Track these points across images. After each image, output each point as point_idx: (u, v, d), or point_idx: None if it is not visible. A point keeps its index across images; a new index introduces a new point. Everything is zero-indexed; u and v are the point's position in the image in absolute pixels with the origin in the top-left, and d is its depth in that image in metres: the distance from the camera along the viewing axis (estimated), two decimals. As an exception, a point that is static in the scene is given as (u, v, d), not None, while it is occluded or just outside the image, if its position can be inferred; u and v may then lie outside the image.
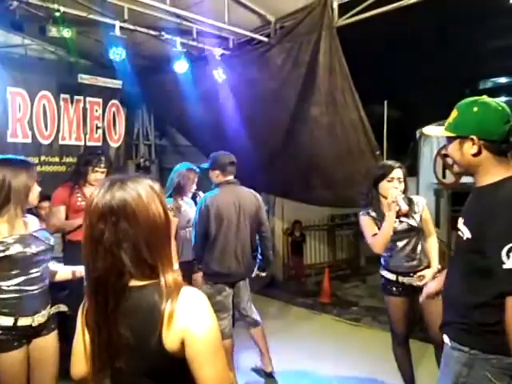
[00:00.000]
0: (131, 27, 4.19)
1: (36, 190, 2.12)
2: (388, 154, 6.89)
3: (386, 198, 2.68)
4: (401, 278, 2.75)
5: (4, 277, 1.95)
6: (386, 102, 7.06)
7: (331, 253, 6.99)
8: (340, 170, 4.20)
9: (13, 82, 4.93)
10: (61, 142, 5.36)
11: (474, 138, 1.47)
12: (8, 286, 1.95)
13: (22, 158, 2.21)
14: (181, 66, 4.52)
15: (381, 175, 2.71)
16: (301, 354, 3.73)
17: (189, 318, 1.00)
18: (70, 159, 5.36)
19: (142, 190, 1.06)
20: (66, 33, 3.65)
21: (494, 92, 10.45)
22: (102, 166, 3.47)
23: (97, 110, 5.72)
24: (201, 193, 3.63)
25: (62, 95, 5.33)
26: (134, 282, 1.05)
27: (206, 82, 4.74)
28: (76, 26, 3.84)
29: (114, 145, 5.94)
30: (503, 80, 10.26)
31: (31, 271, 2.00)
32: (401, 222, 2.72)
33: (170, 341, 0.99)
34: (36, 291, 2.02)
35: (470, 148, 1.49)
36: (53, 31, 3.62)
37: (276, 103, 4.41)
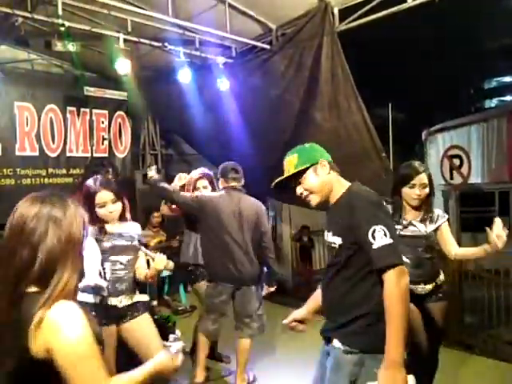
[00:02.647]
0: (135, 39, 4.25)
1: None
2: (394, 156, 6.89)
3: (408, 204, 2.62)
4: None
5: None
6: (390, 105, 7.08)
7: (340, 257, 6.96)
8: (345, 174, 4.18)
9: (20, 97, 5.01)
10: (68, 154, 5.43)
11: (323, 160, 1.83)
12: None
13: None
14: (184, 76, 4.57)
15: (401, 179, 2.60)
16: (312, 362, 3.70)
17: (54, 330, 1.07)
18: (76, 171, 5.43)
19: (67, 208, 1.21)
20: (71, 47, 3.71)
21: (498, 91, 10.41)
22: (109, 177, 3.50)
23: (103, 122, 5.79)
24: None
25: (69, 108, 5.41)
26: (31, 288, 1.13)
27: (209, 91, 4.77)
28: (81, 39, 3.91)
29: (120, 155, 6.00)
30: (508, 79, 10.20)
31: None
32: (405, 227, 2.64)
33: (36, 348, 1.07)
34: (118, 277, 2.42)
35: (323, 169, 1.82)
36: (58, 46, 3.69)
37: (279, 109, 4.43)
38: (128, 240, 2.48)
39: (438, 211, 2.72)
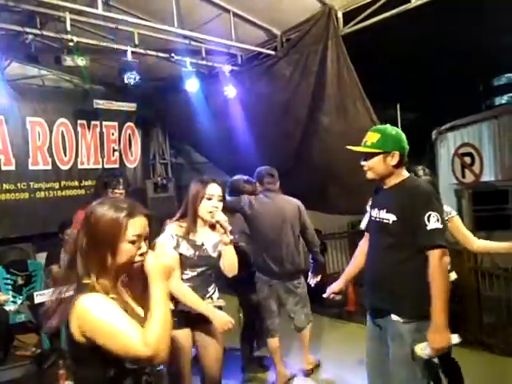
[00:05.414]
0: (142, 51, 4.31)
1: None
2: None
3: None
4: None
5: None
6: (398, 106, 7.04)
7: (353, 260, 6.89)
8: (355, 177, 4.15)
9: (31, 112, 5.11)
10: (80, 167, 5.51)
11: (396, 152, 2.01)
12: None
13: None
14: (192, 85, 4.62)
15: None
16: (329, 364, 3.69)
17: (80, 311, 1.24)
18: (88, 182, 5.50)
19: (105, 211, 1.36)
20: (81, 61, 3.78)
21: (508, 88, 10.27)
22: (121, 187, 3.54)
23: (113, 134, 5.86)
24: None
25: (79, 121, 5.49)
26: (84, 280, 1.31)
27: (217, 99, 4.81)
28: (89, 53, 3.98)
29: (130, 166, 6.07)
30: (518, 75, 10.07)
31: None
32: None
33: (75, 330, 1.25)
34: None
35: (391, 160, 2.02)
36: (68, 61, 3.76)
37: (287, 115, 4.44)
38: (203, 252, 2.36)
39: (445, 208, 2.73)
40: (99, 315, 1.23)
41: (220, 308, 2.43)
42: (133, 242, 1.33)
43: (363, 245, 2.38)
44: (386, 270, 2.03)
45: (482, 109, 9.71)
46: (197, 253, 2.34)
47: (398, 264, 1.98)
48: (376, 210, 2.13)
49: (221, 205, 2.35)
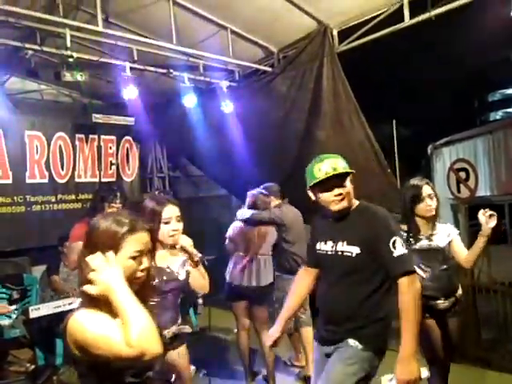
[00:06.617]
0: (141, 67, 4.37)
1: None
2: (400, 171, 6.89)
3: (422, 217, 2.64)
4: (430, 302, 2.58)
5: None
6: (394, 122, 7.12)
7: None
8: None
9: (30, 126, 5.14)
10: (77, 180, 5.52)
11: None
12: None
13: None
14: (189, 100, 4.67)
15: (412, 200, 2.61)
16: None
17: (72, 327, 1.23)
18: (85, 196, 5.50)
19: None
20: (80, 77, 3.83)
21: (502, 103, 10.42)
22: (118, 201, 3.54)
23: (111, 147, 5.89)
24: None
25: (78, 135, 5.52)
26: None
27: (214, 114, 4.86)
28: (88, 69, 4.02)
29: (127, 179, 6.08)
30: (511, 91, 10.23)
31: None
32: (422, 241, 2.64)
33: (72, 346, 1.24)
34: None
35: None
36: (67, 76, 3.80)
37: (283, 130, 4.48)
38: (169, 276, 2.11)
39: (450, 226, 2.75)
40: (87, 326, 1.21)
41: (189, 334, 2.28)
42: (134, 258, 1.30)
43: (301, 280, 2.20)
44: (349, 308, 1.89)
45: (476, 124, 9.83)
46: (164, 277, 2.08)
47: (364, 300, 1.86)
48: (330, 242, 1.96)
49: (181, 225, 2.10)
